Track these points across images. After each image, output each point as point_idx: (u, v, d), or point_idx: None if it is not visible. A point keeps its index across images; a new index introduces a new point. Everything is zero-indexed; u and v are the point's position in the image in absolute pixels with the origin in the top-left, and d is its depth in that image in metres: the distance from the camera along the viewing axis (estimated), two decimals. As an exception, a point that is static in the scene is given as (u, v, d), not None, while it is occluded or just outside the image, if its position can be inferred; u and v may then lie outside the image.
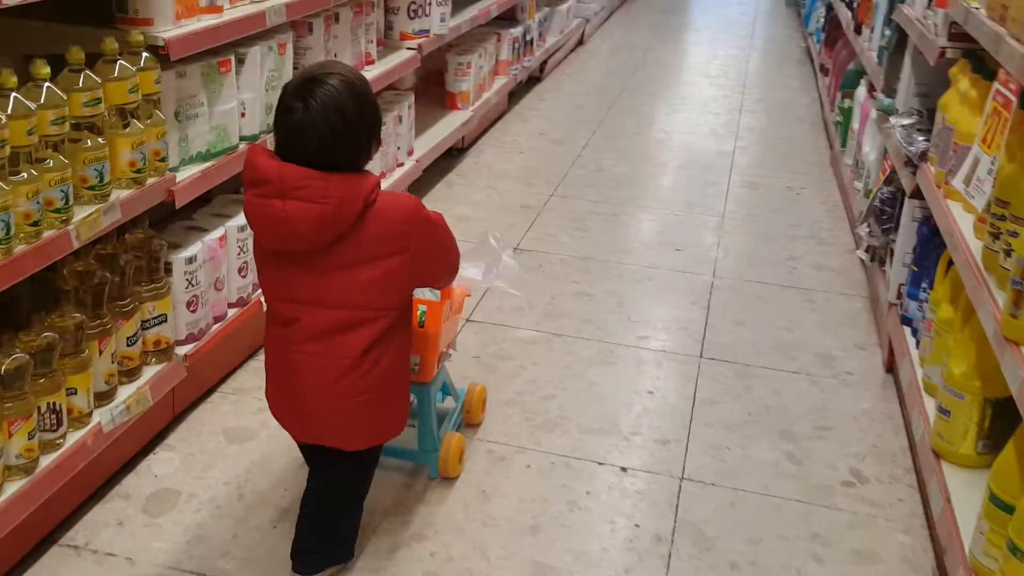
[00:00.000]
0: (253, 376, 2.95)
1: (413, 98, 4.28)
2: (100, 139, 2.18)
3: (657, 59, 7.78)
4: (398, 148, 4.11)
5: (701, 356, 3.24)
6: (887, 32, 4.00)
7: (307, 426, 2.04)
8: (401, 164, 4.16)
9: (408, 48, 4.17)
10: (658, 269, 3.92)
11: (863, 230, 3.65)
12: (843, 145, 4.93)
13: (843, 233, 4.37)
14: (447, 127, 4.87)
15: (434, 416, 2.46)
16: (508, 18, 5.87)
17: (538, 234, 4.19)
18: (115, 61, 2.24)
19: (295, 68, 3.23)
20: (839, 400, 3.02)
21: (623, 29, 8.94)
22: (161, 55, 2.39)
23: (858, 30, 4.88)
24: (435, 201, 4.51)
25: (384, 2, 4.05)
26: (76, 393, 2.19)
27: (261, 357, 3.06)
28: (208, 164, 2.70)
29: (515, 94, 6.19)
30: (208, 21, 2.58)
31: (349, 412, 1.99)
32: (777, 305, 3.67)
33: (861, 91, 4.61)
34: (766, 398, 3.00)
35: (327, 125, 1.85)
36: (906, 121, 3.38)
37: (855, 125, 4.59)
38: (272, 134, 1.96)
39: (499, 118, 5.81)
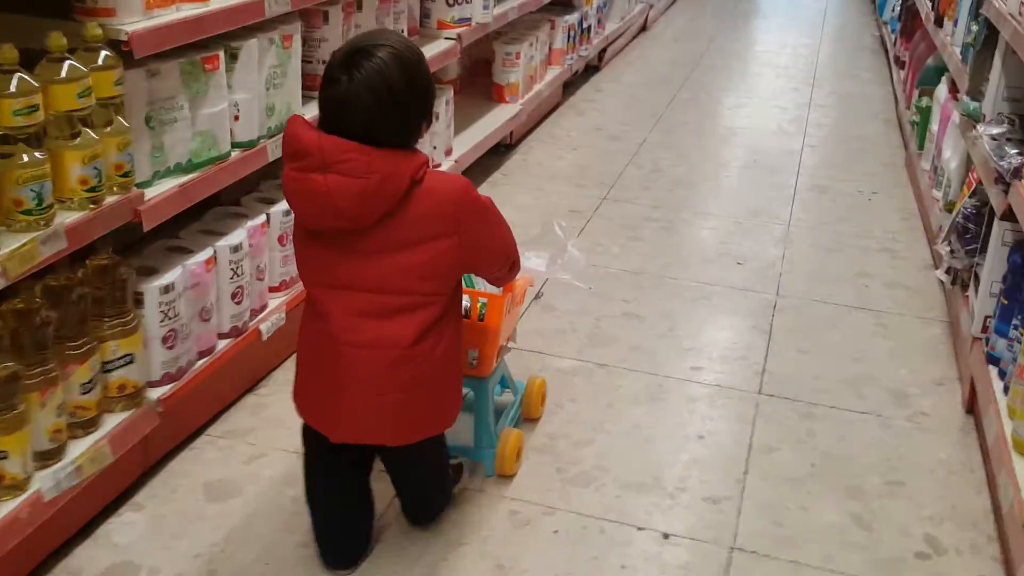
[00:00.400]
0: (249, 416, 2.70)
1: (452, 92, 4.01)
2: (38, 153, 1.87)
3: (723, 47, 7.39)
4: (434, 148, 3.85)
5: (760, 392, 2.94)
6: (974, 27, 3.63)
7: (350, 425, 1.93)
8: (438, 165, 3.91)
9: (447, 38, 3.90)
10: (716, 286, 3.61)
11: (943, 248, 3.30)
12: (920, 147, 4.54)
13: (919, 246, 4.01)
14: (493, 122, 4.60)
15: (492, 412, 2.39)
16: (563, 3, 5.57)
17: (587, 243, 3.90)
18: (62, 60, 1.91)
19: (308, 62, 3.00)
20: (913, 448, 2.70)
21: (688, 14, 8.55)
22: (126, 51, 2.08)
23: (939, 22, 4.49)
24: (478, 205, 4.25)
25: (421, -13, 3.78)
26: (7, 457, 1.87)
27: (261, 391, 2.86)
28: (190, 177, 2.39)
29: (570, 85, 5.89)
30: (189, 11, 2.28)
31: (399, 407, 1.90)
32: (846, 330, 3.34)
33: (942, 90, 4.22)
34: (831, 445, 2.69)
35: (372, 99, 1.76)
36: (996, 130, 3.02)
37: (934, 127, 4.22)
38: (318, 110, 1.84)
39: (552, 111, 5.52)
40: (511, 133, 4.83)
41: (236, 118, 2.59)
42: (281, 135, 2.54)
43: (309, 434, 2.08)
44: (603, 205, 4.32)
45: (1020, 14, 2.89)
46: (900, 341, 3.28)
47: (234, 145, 2.60)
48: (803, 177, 4.78)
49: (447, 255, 1.86)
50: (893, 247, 4.01)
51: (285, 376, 2.91)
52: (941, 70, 4.43)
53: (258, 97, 2.65)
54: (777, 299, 3.53)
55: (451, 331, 1.95)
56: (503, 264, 2.05)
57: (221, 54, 2.46)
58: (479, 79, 4.97)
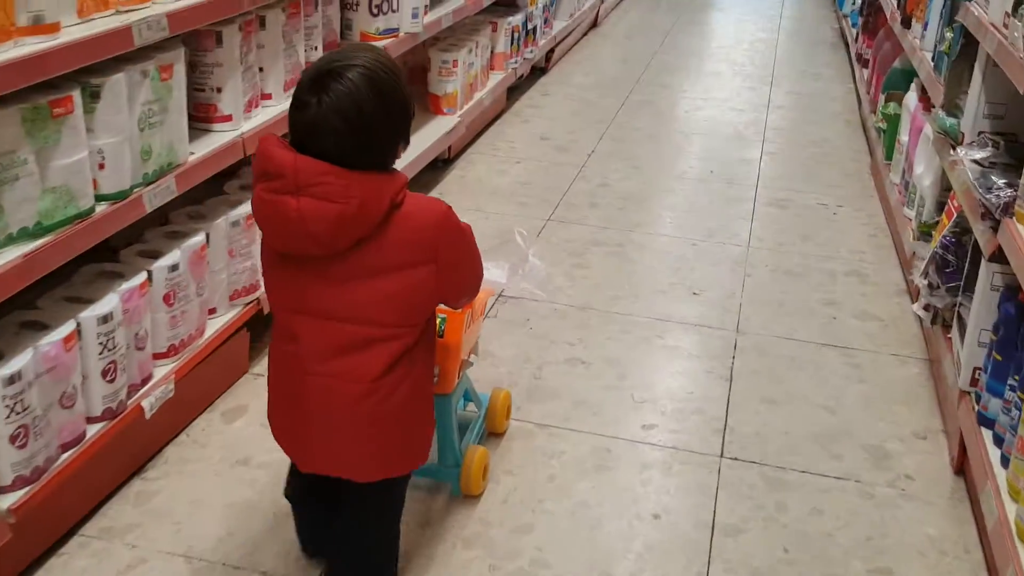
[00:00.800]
0: (132, 508, 2.31)
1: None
2: None
3: (677, 44, 7.05)
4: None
5: (722, 455, 2.59)
6: (948, 34, 3.30)
7: (316, 455, 1.85)
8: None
9: (372, 54, 3.50)
10: (669, 322, 3.26)
11: (920, 281, 2.98)
12: (887, 158, 4.23)
13: (890, 267, 3.70)
14: (429, 136, 4.22)
15: (456, 429, 2.31)
16: (507, 3, 5.19)
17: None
18: None
19: (199, 90, 2.61)
20: (899, 522, 2.37)
21: (642, 8, 8.20)
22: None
23: (906, 23, 4.17)
24: (411, 231, 3.86)
25: (340, -3, 3.38)
26: None
27: (149, 474, 2.45)
28: (40, 243, 2.00)
29: (515, 89, 5.51)
30: (33, 46, 1.89)
31: (365, 441, 1.81)
32: (815, 372, 3.01)
33: (911, 98, 3.90)
34: (805, 521, 2.35)
35: (342, 123, 1.67)
36: (979, 154, 2.70)
37: (903, 137, 3.90)
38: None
39: (495, 119, 5.15)
40: (449, 147, 4.45)
41: (101, 166, 2.19)
42: (162, 180, 2.27)
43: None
44: (547, 227, 3.96)
45: (1005, 25, 2.56)
46: (875, 384, 2.96)
47: (99, 198, 2.20)
48: (762, 189, 4.45)
49: (424, 283, 1.77)
50: (862, 269, 3.69)
51: (179, 453, 2.54)
52: (910, 74, 4.11)
53: (130, 139, 2.25)
54: (737, 336, 3.19)
55: (421, 364, 1.86)
56: (472, 294, 1.98)
57: (76, 94, 2.04)
58: (415, 87, 4.58)
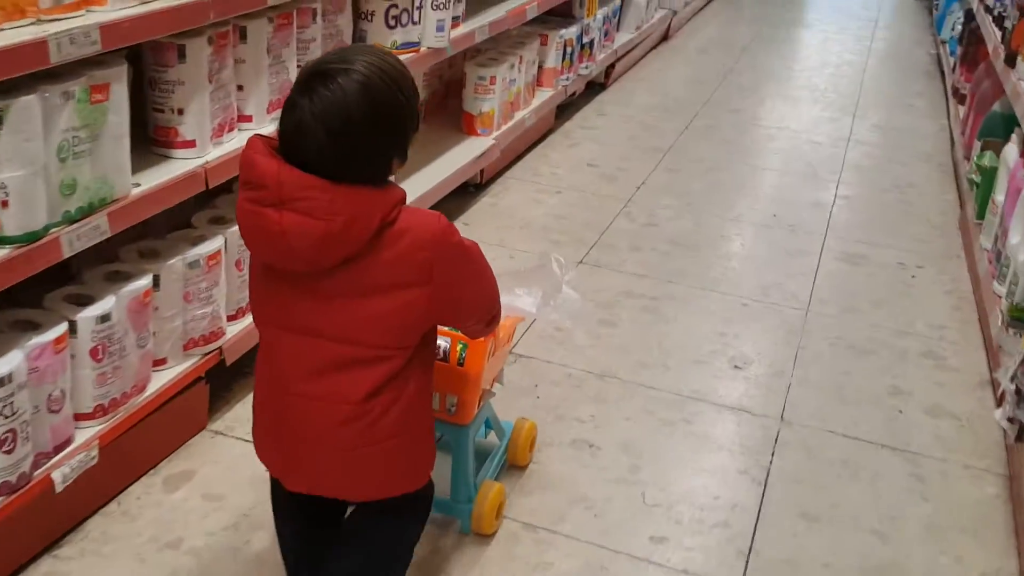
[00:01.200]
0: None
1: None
2: None
3: (755, 62, 6.52)
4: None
5: (740, 591, 2.13)
6: (1063, 82, 2.77)
7: (301, 475, 1.75)
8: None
9: (387, 70, 3.10)
10: (703, 403, 2.79)
11: (1007, 384, 2.47)
12: (979, 217, 3.68)
13: (973, 350, 3.16)
14: (457, 159, 3.81)
15: (471, 463, 2.17)
16: (562, 14, 4.75)
17: (546, 327, 3.10)
18: None
19: (159, 111, 2.28)
20: None
21: (721, 21, 7.67)
22: None
23: (1010, 61, 3.62)
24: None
25: (353, 5, 2.97)
26: None
27: (62, 551, 2.08)
28: None
29: (569, 107, 5.08)
30: None
31: (353, 461, 1.70)
32: (869, 483, 2.52)
33: (1011, 151, 3.36)
34: None
35: (325, 133, 1.54)
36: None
37: (998, 197, 3.36)
38: None
39: (541, 140, 4.71)
40: (481, 171, 4.03)
41: (4, 204, 1.82)
42: (89, 219, 2.01)
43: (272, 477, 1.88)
44: (578, 271, 3.51)
45: None
46: (941, 504, 2.45)
47: (3, 241, 1.84)
48: (832, 240, 3.93)
49: (416, 306, 1.65)
50: (939, 350, 3.16)
51: (103, 527, 2.21)
52: (1011, 121, 3.57)
53: (43, 172, 1.87)
54: (781, 427, 2.71)
55: (414, 386, 1.71)
56: (481, 318, 1.81)
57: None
58: (453, 102, 4.18)
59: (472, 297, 1.76)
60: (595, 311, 3.24)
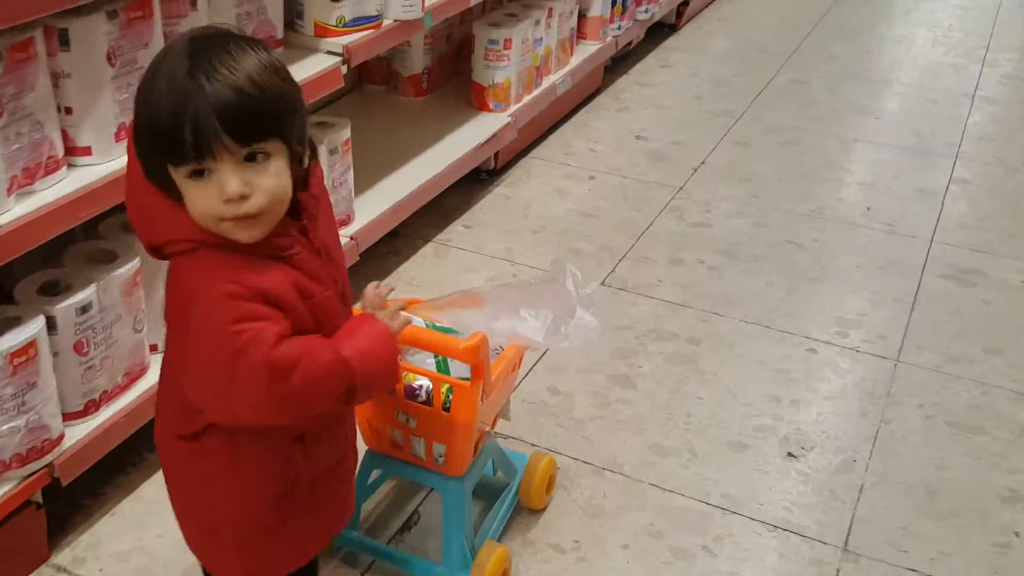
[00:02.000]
0: None
1: (348, 135, 2.48)
2: None
3: (862, -5, 5.47)
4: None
5: None
6: None
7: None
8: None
9: (329, 52, 2.34)
10: (736, 517, 2.03)
11: None
12: None
13: None
14: (463, 141, 3.07)
15: (467, 522, 1.83)
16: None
17: (539, 385, 2.37)
18: None
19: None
20: None
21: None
22: None
23: None
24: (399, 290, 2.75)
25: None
26: None
27: None
28: None
29: (627, 57, 4.23)
30: None
31: (177, 505, 1.45)
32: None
33: None
34: None
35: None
36: None
37: None
38: None
39: (586, 102, 3.89)
40: (496, 154, 3.26)
41: None
42: None
43: None
44: (598, 293, 2.74)
45: None
46: None
47: None
48: (939, 245, 3.05)
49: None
50: (1078, 428, 2.31)
51: None
52: None
53: None
54: (841, 562, 1.94)
55: (247, 459, 1.34)
56: (232, 413, 1.33)
57: None
58: (466, 66, 3.40)
59: (205, 372, 1.32)
60: (608, 362, 2.48)
